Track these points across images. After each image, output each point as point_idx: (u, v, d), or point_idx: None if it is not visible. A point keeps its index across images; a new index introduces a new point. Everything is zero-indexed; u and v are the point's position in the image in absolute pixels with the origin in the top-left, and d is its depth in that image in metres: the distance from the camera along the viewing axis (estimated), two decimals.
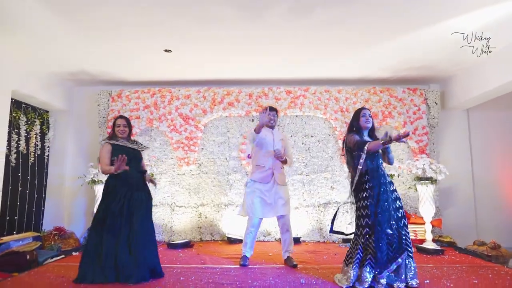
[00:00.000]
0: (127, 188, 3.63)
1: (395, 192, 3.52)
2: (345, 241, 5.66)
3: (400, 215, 3.44)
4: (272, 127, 4.40)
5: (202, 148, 6.24)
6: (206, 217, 6.10)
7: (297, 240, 5.79)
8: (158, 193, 6.15)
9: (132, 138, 4.00)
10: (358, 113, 3.73)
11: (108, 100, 6.29)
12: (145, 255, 3.53)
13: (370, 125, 3.64)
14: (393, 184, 3.56)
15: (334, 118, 6.15)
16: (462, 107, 6.29)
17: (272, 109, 4.40)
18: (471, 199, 6.26)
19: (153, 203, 6.12)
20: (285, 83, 6.40)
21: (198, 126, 6.15)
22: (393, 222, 3.34)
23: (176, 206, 6.13)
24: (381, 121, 6.16)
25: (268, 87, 6.28)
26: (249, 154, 6.07)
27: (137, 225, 3.55)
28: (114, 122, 3.89)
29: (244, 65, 5.74)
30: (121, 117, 3.93)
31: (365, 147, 3.41)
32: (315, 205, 6.09)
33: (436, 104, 6.23)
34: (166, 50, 4.99)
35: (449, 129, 6.42)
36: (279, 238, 5.87)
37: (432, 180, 5.37)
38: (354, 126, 3.70)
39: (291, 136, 6.20)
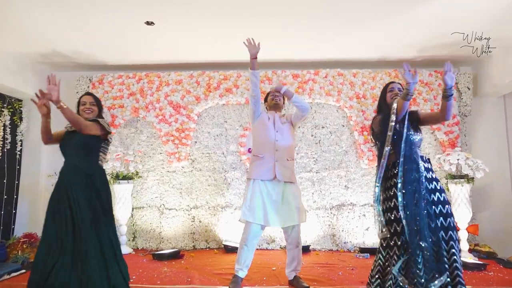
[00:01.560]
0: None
1: (437, 193, 2.66)
2: (363, 250, 4.79)
3: (443, 223, 2.58)
4: (276, 109, 3.60)
5: (196, 142, 5.40)
6: (200, 222, 5.27)
7: (306, 249, 4.95)
8: (145, 194, 5.33)
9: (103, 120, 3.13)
10: (385, 89, 2.95)
11: (88, 87, 5.48)
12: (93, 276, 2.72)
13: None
14: (435, 181, 2.70)
15: (349, 106, 5.27)
16: (498, 92, 5.37)
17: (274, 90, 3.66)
18: (509, 201, 5.34)
19: (139, 205, 5.38)
20: (292, 66, 5.53)
21: (190, 116, 5.31)
22: (429, 233, 2.50)
23: (165, 209, 5.31)
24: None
25: (272, 70, 5.41)
26: (249, 148, 5.26)
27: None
28: (79, 101, 3.13)
29: (243, 45, 4.85)
30: (88, 93, 3.18)
31: (393, 109, 2.67)
32: (327, 208, 5.23)
33: (469, 89, 5.32)
34: (147, 23, 4.15)
35: (482, 119, 5.50)
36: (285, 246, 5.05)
37: (468, 179, 4.48)
38: (381, 105, 2.88)
39: (299, 127, 5.34)
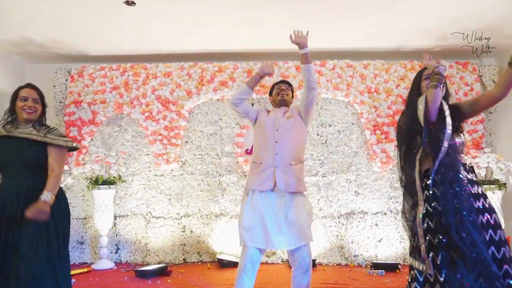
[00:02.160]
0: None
1: (481, 199, 2.07)
2: (376, 266, 4.19)
3: (491, 237, 1.99)
4: (281, 105, 3.00)
5: (187, 142, 4.80)
6: (191, 232, 4.67)
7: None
8: (129, 201, 4.73)
9: (46, 124, 2.49)
10: (418, 77, 2.35)
11: (67, 80, 4.89)
12: None
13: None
14: (483, 198, 2.09)
15: (360, 102, 4.67)
16: None
17: (282, 81, 3.16)
18: None
19: (122, 213, 4.78)
20: (295, 57, 4.81)
21: (181, 113, 4.71)
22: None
23: (152, 217, 4.71)
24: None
25: (272, 61, 4.79)
26: (247, 149, 4.67)
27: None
28: (16, 94, 2.41)
29: (241, 33, 4.36)
30: (29, 86, 2.45)
31: (421, 101, 2.12)
32: (335, 216, 4.64)
33: (494, 82, 4.72)
34: (127, 2, 3.55)
35: (510, 116, 4.89)
36: (288, 259, 4.45)
37: (499, 184, 3.88)
38: (413, 99, 2.28)
39: None
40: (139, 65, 4.87)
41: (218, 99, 4.84)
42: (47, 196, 2.22)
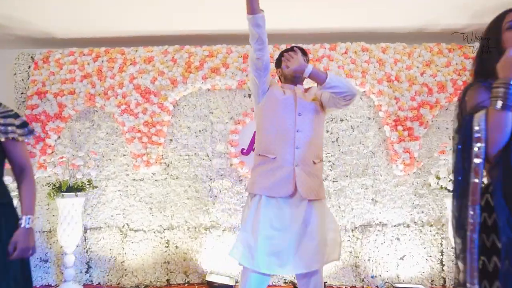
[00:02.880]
0: None
1: None
2: None
3: None
4: (295, 82, 2.38)
5: (171, 140, 4.05)
6: (176, 247, 3.92)
7: None
8: (103, 210, 3.98)
9: None
10: (499, 20, 1.48)
11: (30, 67, 4.13)
12: None
13: None
14: None
15: (378, 92, 3.91)
16: None
17: (291, 48, 2.36)
18: None
19: (94, 225, 4.02)
20: (300, 38, 4.16)
21: (164, 106, 3.96)
22: None
23: (130, 230, 3.96)
24: (451, 96, 3.91)
25: (273, 44, 4.04)
26: (243, 149, 3.92)
27: None
28: None
29: (235, 12, 3.56)
30: None
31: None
32: (348, 229, 3.89)
33: None
34: None
35: None
36: (291, 281, 3.71)
37: None
38: (488, 62, 1.46)
39: None
40: (115, 50, 4.11)
41: (209, 89, 4.08)
42: (28, 221, 1.78)
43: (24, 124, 1.82)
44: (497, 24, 1.48)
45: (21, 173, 1.83)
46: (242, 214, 2.34)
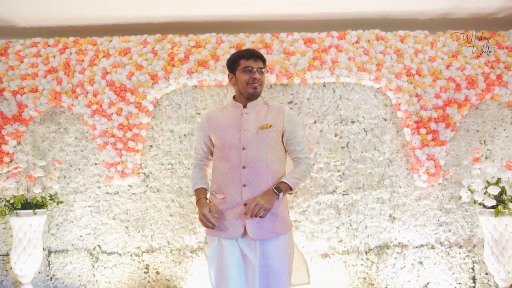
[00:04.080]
0: None
1: None
2: None
3: None
4: (249, 98, 2.28)
5: (151, 146, 3.45)
6: (157, 273, 3.34)
7: None
8: (70, 230, 3.39)
9: None
10: None
11: None
12: None
13: None
14: None
15: (396, 88, 3.32)
16: None
17: (252, 54, 2.25)
18: None
19: (59, 248, 3.40)
20: (303, 26, 3.60)
21: (142, 105, 3.36)
22: None
23: (102, 253, 3.37)
24: (483, 92, 3.32)
25: (271, 33, 3.49)
26: None
27: None
28: None
29: None
30: None
31: None
32: (361, 251, 3.30)
33: None
34: None
35: None
36: None
37: None
38: None
39: (315, 122, 3.39)
40: (85, 40, 3.53)
41: (195, 86, 3.48)
42: None
43: None
44: None
45: None
46: (204, 253, 2.47)
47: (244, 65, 2.19)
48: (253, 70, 2.19)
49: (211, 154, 2.35)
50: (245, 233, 2.08)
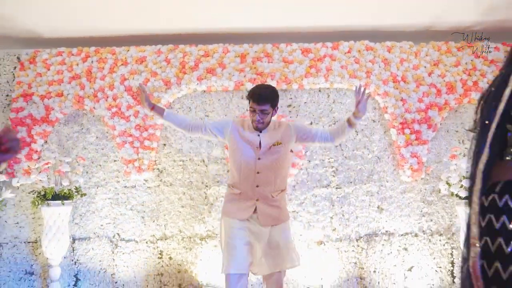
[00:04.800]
0: None
1: None
2: None
3: None
4: (259, 129, 2.69)
5: (164, 144, 3.85)
6: (170, 259, 3.72)
7: None
8: (92, 219, 3.77)
9: None
10: None
11: (16, 68, 3.95)
12: None
13: None
14: None
15: (383, 93, 3.72)
16: None
17: (259, 98, 2.57)
18: None
19: (82, 235, 3.82)
20: (301, 37, 3.98)
21: None
22: None
23: (121, 241, 3.76)
24: (461, 97, 3.71)
25: (272, 43, 3.89)
26: None
27: None
28: None
29: (234, 8, 3.52)
30: None
31: None
32: (352, 239, 3.69)
33: None
34: None
35: None
36: None
37: None
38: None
39: (311, 123, 3.79)
40: (105, 49, 3.93)
41: (204, 91, 3.88)
42: None
43: None
44: None
45: None
46: (219, 234, 2.81)
47: (251, 105, 2.57)
48: (256, 111, 2.55)
49: (203, 131, 2.73)
50: (256, 219, 2.59)
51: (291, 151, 2.84)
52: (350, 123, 2.65)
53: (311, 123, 3.78)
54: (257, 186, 2.61)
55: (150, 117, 3.74)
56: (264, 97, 2.55)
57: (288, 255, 2.62)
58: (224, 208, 2.74)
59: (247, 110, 3.61)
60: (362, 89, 2.64)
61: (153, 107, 2.76)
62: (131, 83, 3.79)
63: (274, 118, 2.75)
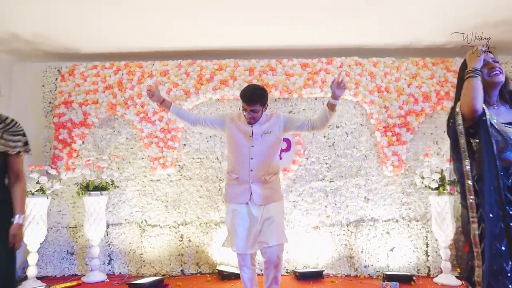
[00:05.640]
0: None
1: None
2: (389, 278, 3.87)
3: None
4: (251, 124, 2.95)
5: (185, 144, 4.51)
6: (189, 241, 4.36)
7: (319, 275, 4.08)
8: (123, 208, 4.42)
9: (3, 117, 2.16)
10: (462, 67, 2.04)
11: (57, 79, 4.59)
12: None
13: (500, 80, 1.92)
14: None
15: (369, 101, 4.38)
16: None
17: (249, 99, 2.83)
18: None
19: (115, 221, 4.47)
20: (300, 53, 4.65)
21: None
22: None
23: (147, 226, 4.40)
24: (435, 105, 4.38)
25: (276, 59, 4.54)
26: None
27: None
28: None
29: (243, 28, 4.12)
30: None
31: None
32: (343, 224, 4.33)
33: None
34: None
35: None
36: (293, 270, 4.16)
37: None
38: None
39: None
40: (133, 63, 4.58)
41: (218, 99, 4.54)
42: (21, 218, 2.11)
43: (27, 143, 2.20)
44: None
45: (16, 179, 2.17)
46: (226, 215, 3.04)
47: (243, 105, 2.86)
48: (247, 110, 2.83)
49: (203, 124, 3.00)
50: (250, 200, 2.85)
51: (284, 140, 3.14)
52: (329, 106, 2.77)
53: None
54: (251, 171, 2.84)
55: (173, 121, 4.40)
56: (253, 99, 2.80)
57: (276, 232, 2.81)
58: (226, 195, 2.98)
59: None
60: (342, 74, 2.79)
61: (162, 101, 2.96)
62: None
63: (266, 112, 2.98)
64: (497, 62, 1.99)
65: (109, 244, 4.39)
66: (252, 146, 2.85)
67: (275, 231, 2.82)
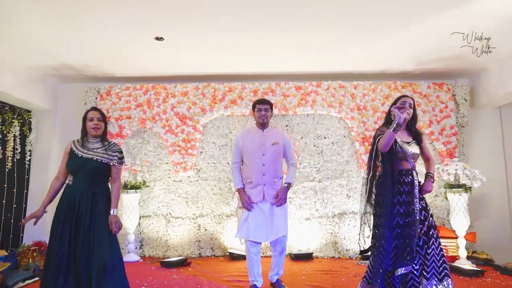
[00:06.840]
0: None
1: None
2: (365, 257, 4.93)
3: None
4: (263, 125, 3.62)
5: (201, 152, 5.54)
6: (205, 230, 5.40)
7: (309, 256, 5.10)
8: (152, 203, 5.45)
9: (108, 140, 3.16)
10: (395, 102, 3.01)
11: (96, 98, 5.61)
12: None
13: (407, 117, 2.92)
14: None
15: (350, 117, 5.43)
16: (494, 104, 5.55)
17: (262, 101, 3.61)
18: (505, 209, 5.52)
19: (146, 214, 5.51)
20: (295, 78, 5.70)
21: (196, 127, 5.45)
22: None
23: (171, 217, 5.43)
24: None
25: (275, 82, 5.57)
26: None
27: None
28: (85, 116, 3.08)
29: (248, 58, 5.05)
30: (94, 109, 3.13)
31: (376, 142, 2.92)
32: (329, 216, 5.37)
33: (466, 101, 5.48)
34: (157, 38, 4.30)
35: (479, 129, 5.68)
36: (289, 253, 5.18)
37: (466, 188, 4.64)
38: (389, 118, 2.95)
39: (301, 137, 5.48)
40: (159, 85, 5.60)
41: (229, 115, 5.57)
42: (115, 211, 2.96)
43: (121, 158, 3.14)
44: (395, 102, 2.99)
45: (114, 183, 3.08)
46: (236, 211, 3.71)
47: (257, 107, 3.55)
48: (261, 110, 3.54)
49: (242, 158, 3.63)
50: (264, 199, 3.46)
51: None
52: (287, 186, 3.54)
53: (301, 137, 5.47)
54: (264, 175, 3.45)
55: (192, 133, 5.44)
56: (265, 101, 3.60)
57: (284, 225, 3.46)
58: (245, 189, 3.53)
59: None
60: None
61: (241, 190, 3.54)
62: (178, 110, 5.48)
63: (271, 122, 3.69)
64: (410, 105, 2.96)
65: (140, 232, 5.41)
66: (263, 155, 3.47)
67: (282, 224, 3.45)
